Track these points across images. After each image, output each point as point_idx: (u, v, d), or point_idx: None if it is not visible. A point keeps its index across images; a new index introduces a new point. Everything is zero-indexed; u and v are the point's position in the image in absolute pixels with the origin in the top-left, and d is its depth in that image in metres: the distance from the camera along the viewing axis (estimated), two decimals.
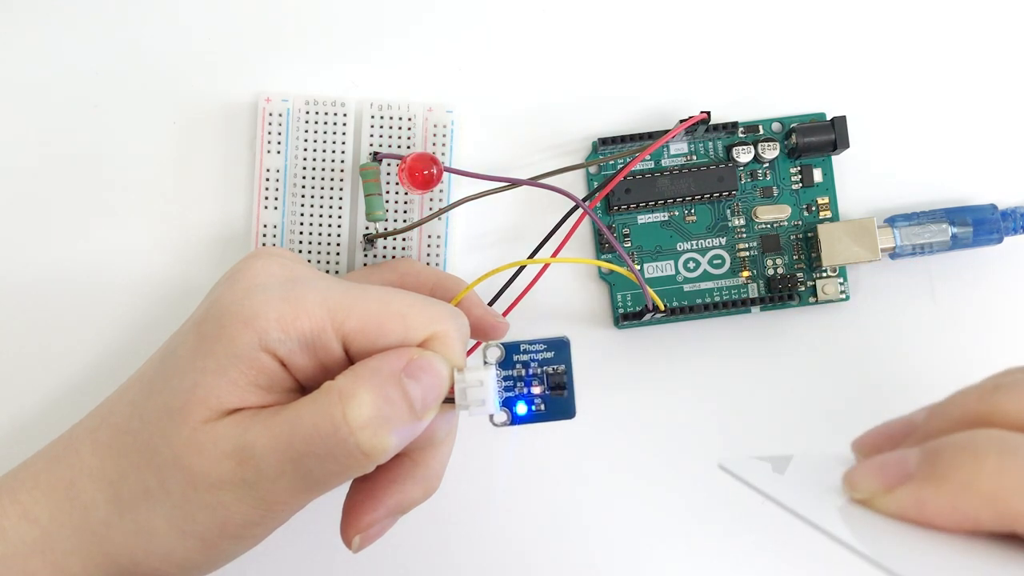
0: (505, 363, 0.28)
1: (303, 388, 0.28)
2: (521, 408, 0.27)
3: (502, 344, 0.28)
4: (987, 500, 0.17)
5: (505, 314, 0.36)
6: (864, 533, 0.18)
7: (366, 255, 0.37)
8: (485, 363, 0.27)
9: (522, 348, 0.28)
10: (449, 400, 0.27)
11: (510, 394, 0.28)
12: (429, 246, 0.37)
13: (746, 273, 0.38)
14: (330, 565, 0.37)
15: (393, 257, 0.37)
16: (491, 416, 0.27)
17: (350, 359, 0.27)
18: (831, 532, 0.17)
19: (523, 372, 0.28)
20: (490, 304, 0.36)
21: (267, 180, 0.37)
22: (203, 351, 0.27)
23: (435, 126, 0.37)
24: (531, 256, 0.36)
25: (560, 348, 0.28)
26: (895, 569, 0.16)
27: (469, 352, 0.34)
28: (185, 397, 0.26)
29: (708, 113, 0.36)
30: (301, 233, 0.37)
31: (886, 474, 0.19)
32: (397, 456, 0.30)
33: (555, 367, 0.28)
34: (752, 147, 0.38)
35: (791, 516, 0.18)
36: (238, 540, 0.27)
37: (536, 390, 0.28)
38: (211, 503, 0.26)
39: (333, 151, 0.37)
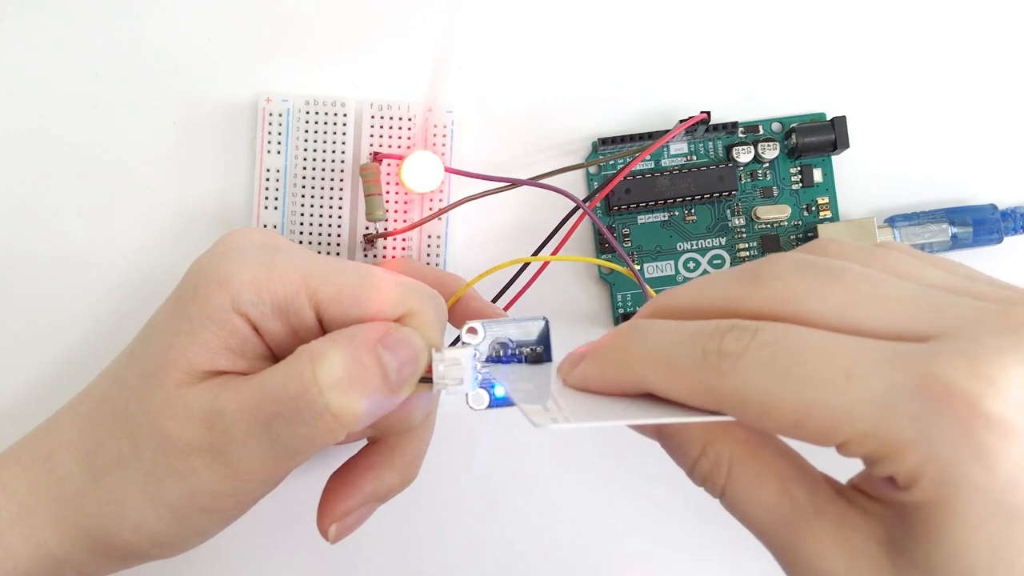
0: (483, 344, 0.27)
1: (276, 358, 0.27)
2: (499, 390, 0.27)
3: (480, 324, 0.27)
4: (619, 367, 0.22)
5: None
6: (545, 401, 0.23)
7: (366, 255, 0.37)
8: (462, 343, 0.27)
9: (501, 329, 0.27)
10: (426, 380, 0.27)
11: (488, 375, 0.27)
12: (429, 246, 0.37)
13: None
14: (306, 556, 0.37)
15: (393, 257, 0.37)
16: (468, 397, 0.27)
17: (324, 330, 0.27)
18: (518, 405, 0.23)
19: (501, 353, 0.27)
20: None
21: (267, 180, 0.37)
22: (179, 314, 0.27)
23: (435, 126, 0.37)
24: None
25: (539, 329, 0.27)
26: (528, 417, 0.21)
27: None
28: (161, 361, 0.26)
29: (708, 113, 0.36)
30: (301, 233, 0.37)
31: (572, 359, 0.24)
32: (373, 442, 0.30)
33: (534, 348, 0.27)
34: (752, 147, 0.38)
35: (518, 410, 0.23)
36: (209, 513, 0.27)
37: None
38: (181, 469, 0.26)
39: (333, 151, 0.37)
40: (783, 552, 0.22)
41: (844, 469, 0.22)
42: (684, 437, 0.23)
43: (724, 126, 0.38)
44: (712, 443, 0.22)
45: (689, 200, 0.38)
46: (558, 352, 0.27)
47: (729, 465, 0.22)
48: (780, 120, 0.39)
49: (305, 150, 0.37)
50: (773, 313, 0.21)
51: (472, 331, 0.27)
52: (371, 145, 0.37)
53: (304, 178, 0.37)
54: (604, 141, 0.37)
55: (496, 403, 0.27)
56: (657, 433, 0.24)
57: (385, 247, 0.37)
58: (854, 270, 0.21)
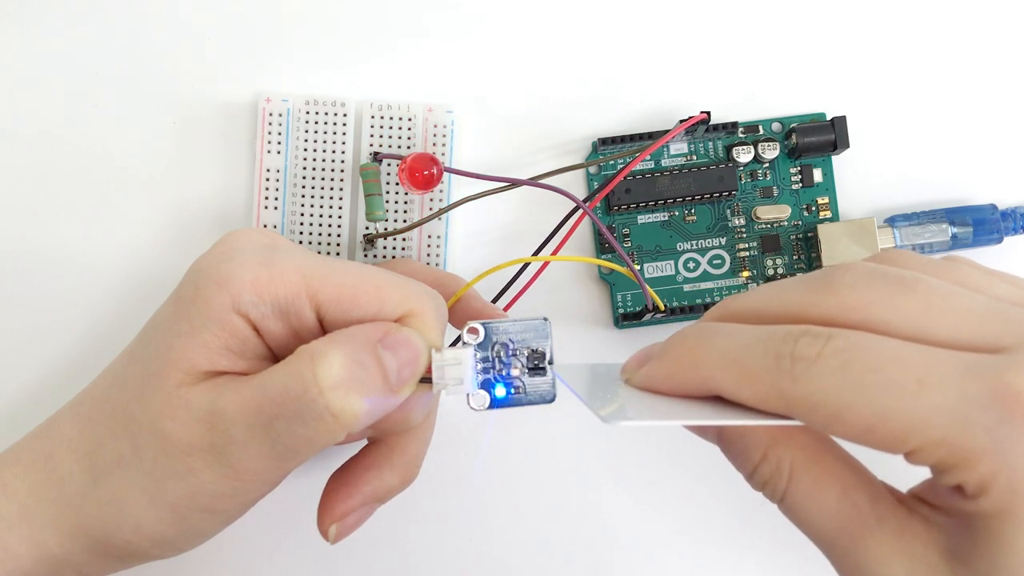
0: (483, 344, 0.27)
1: (277, 358, 0.27)
2: (500, 391, 0.27)
3: (481, 324, 0.27)
4: (688, 369, 0.23)
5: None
6: (610, 400, 0.23)
7: (366, 255, 0.37)
8: (463, 343, 0.27)
9: (501, 329, 0.27)
10: (426, 380, 0.27)
11: (488, 376, 0.27)
12: (429, 246, 0.37)
13: (746, 273, 0.38)
14: (306, 556, 0.37)
15: (393, 257, 0.37)
16: (469, 398, 0.27)
17: (324, 330, 0.27)
18: (584, 401, 0.23)
19: (502, 353, 0.27)
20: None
21: (267, 180, 0.37)
22: (179, 314, 0.27)
23: (435, 126, 0.37)
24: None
25: (540, 329, 0.27)
26: (597, 411, 0.22)
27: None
28: (161, 362, 0.26)
29: (708, 113, 0.36)
30: (301, 233, 0.37)
31: (638, 357, 0.24)
32: (374, 442, 0.30)
33: (535, 348, 0.27)
34: (752, 147, 0.38)
35: (578, 400, 0.24)
36: (209, 513, 0.27)
37: (515, 372, 0.27)
38: (181, 470, 0.26)
39: (333, 151, 0.37)
40: (843, 560, 0.22)
41: (901, 480, 0.23)
42: (746, 441, 0.23)
43: (724, 126, 0.38)
44: (774, 448, 0.23)
45: (689, 200, 0.38)
46: (559, 354, 0.27)
47: (791, 470, 0.22)
48: (780, 120, 0.39)
49: (305, 150, 0.37)
50: (844, 320, 0.21)
51: (473, 331, 0.27)
52: (371, 145, 0.37)
53: (304, 178, 0.37)
54: (604, 141, 0.37)
55: (497, 403, 0.27)
56: (718, 436, 0.24)
57: (385, 247, 0.37)
58: (926, 281, 0.21)
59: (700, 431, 0.25)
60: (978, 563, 0.20)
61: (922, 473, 0.21)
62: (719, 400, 0.22)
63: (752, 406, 0.21)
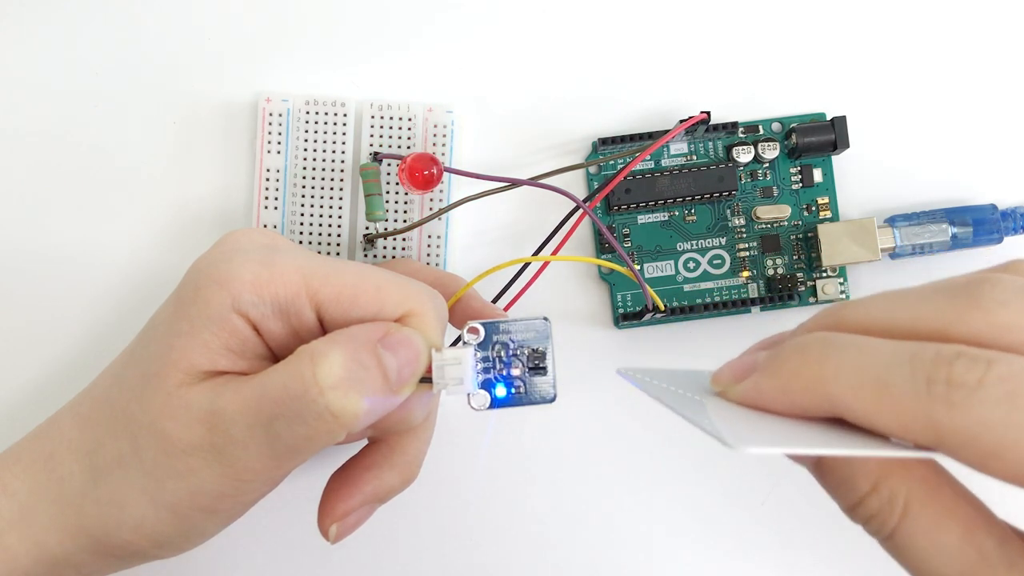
0: (484, 344, 0.27)
1: (277, 358, 0.27)
2: (500, 390, 0.27)
3: (481, 324, 0.27)
4: (809, 385, 0.20)
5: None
6: (711, 416, 0.21)
7: (366, 255, 0.37)
8: (463, 343, 0.27)
9: (502, 328, 0.27)
10: (426, 380, 0.27)
11: (489, 376, 0.27)
12: (429, 246, 0.37)
13: (746, 273, 0.38)
14: (306, 556, 0.37)
15: (393, 257, 0.37)
16: (469, 398, 0.27)
17: (324, 330, 0.27)
18: (683, 414, 0.21)
19: (502, 353, 0.27)
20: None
21: (267, 180, 0.37)
22: (179, 314, 0.27)
23: (435, 126, 0.37)
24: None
25: (540, 329, 0.27)
26: (720, 433, 0.19)
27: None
28: (161, 362, 0.26)
29: (708, 113, 0.36)
30: (301, 233, 0.37)
31: (737, 368, 0.22)
32: (374, 442, 0.30)
33: (535, 348, 0.27)
34: (752, 147, 0.38)
35: (666, 409, 0.22)
36: (209, 513, 0.27)
37: (515, 372, 0.27)
38: (181, 470, 0.26)
39: (333, 151, 0.37)
40: None
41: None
42: (853, 469, 0.21)
43: (724, 126, 0.38)
44: (887, 478, 0.20)
45: (689, 200, 0.38)
46: (560, 354, 0.27)
47: (905, 505, 0.20)
48: (780, 120, 0.39)
49: (305, 150, 0.37)
50: (997, 342, 0.19)
51: (473, 331, 0.27)
52: (371, 145, 0.37)
53: (304, 178, 0.37)
54: (604, 141, 0.37)
55: (497, 403, 0.27)
56: (814, 462, 0.22)
57: (385, 247, 0.37)
58: None
59: (798, 457, 0.22)
60: None
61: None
62: (834, 422, 0.20)
63: (887, 433, 0.19)
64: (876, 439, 0.19)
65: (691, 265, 0.38)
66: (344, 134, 0.37)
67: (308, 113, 0.37)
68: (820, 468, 0.22)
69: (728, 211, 0.38)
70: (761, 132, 0.39)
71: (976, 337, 0.19)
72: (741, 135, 0.39)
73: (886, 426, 0.19)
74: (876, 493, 0.20)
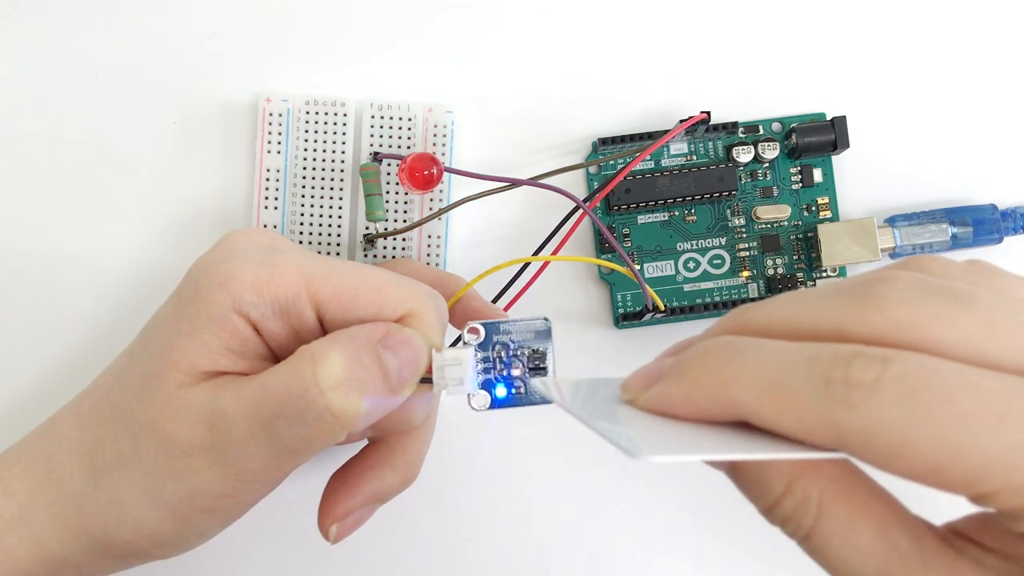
0: (484, 344, 0.27)
1: (277, 358, 0.27)
2: (500, 391, 0.27)
3: (482, 324, 0.27)
4: (713, 391, 0.20)
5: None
6: (619, 425, 0.21)
7: (366, 255, 0.37)
8: (464, 343, 0.27)
9: (502, 329, 0.27)
10: (426, 381, 0.27)
11: (489, 376, 0.27)
12: (429, 246, 0.37)
13: (746, 273, 0.38)
14: (306, 556, 0.37)
15: (393, 257, 0.37)
16: (470, 398, 0.27)
17: (324, 330, 0.27)
18: (593, 426, 0.20)
19: (503, 354, 0.27)
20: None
21: (267, 180, 0.37)
22: (179, 314, 0.27)
23: (435, 126, 0.37)
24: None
25: (540, 329, 0.27)
26: (620, 443, 0.19)
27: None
28: (162, 362, 0.26)
29: (708, 113, 0.36)
30: (301, 233, 0.37)
31: (645, 376, 0.22)
32: (374, 442, 0.30)
33: (535, 348, 0.27)
34: (752, 147, 0.38)
35: (573, 418, 0.22)
36: (209, 513, 0.27)
37: (516, 372, 0.27)
38: (182, 470, 0.26)
39: (333, 151, 0.37)
40: None
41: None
42: (766, 472, 0.21)
43: (724, 126, 0.38)
44: (799, 480, 0.20)
45: (689, 200, 0.38)
46: (560, 354, 0.27)
47: (819, 505, 0.20)
48: (780, 120, 0.39)
49: (305, 150, 0.37)
50: (895, 340, 0.19)
51: (474, 331, 0.27)
52: (371, 145, 0.37)
53: (304, 178, 0.37)
54: (604, 141, 0.37)
55: (497, 404, 0.27)
56: (731, 466, 0.22)
57: (385, 247, 0.37)
58: (983, 296, 0.19)
59: (714, 461, 0.22)
60: None
61: (952, 503, 0.19)
62: (742, 426, 0.20)
63: (791, 436, 0.19)
64: (784, 441, 0.19)
65: (691, 265, 0.38)
66: (344, 134, 0.37)
67: (308, 113, 0.37)
68: (735, 472, 0.22)
69: (728, 211, 0.38)
70: (761, 132, 0.39)
71: (874, 336, 0.19)
72: (741, 135, 0.39)
73: (788, 429, 0.19)
74: (790, 495, 0.20)
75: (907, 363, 0.18)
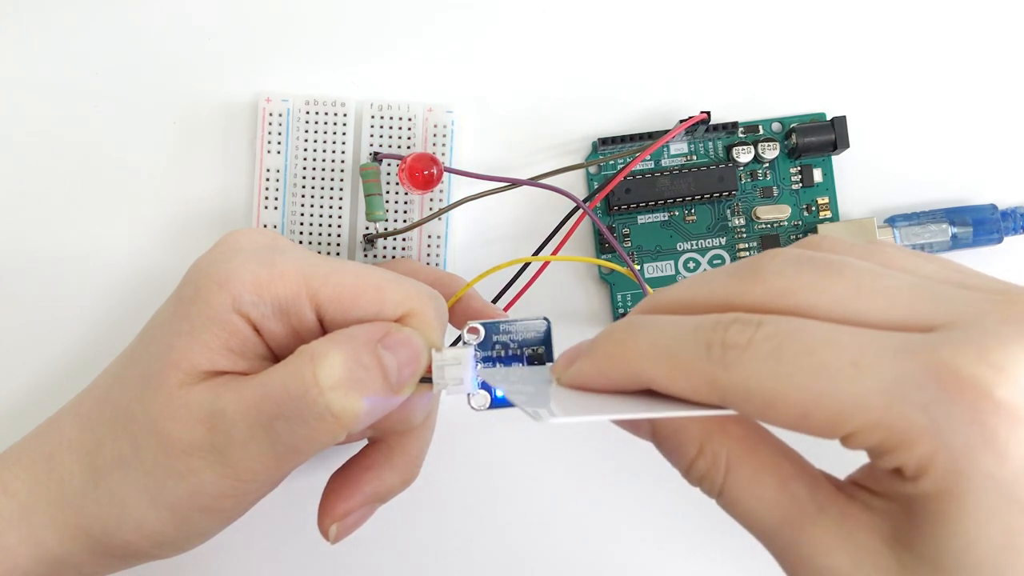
0: (484, 344, 0.27)
1: (277, 358, 0.27)
2: (500, 390, 0.27)
3: (482, 324, 0.27)
4: (618, 363, 0.22)
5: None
6: (543, 400, 0.23)
7: (366, 255, 0.37)
8: (464, 343, 0.27)
9: (502, 329, 0.27)
10: (426, 380, 0.27)
11: (485, 377, 0.27)
12: (429, 246, 0.37)
13: None
14: (306, 556, 0.37)
15: (393, 257, 0.37)
16: (469, 397, 0.27)
17: (324, 330, 0.27)
18: (522, 407, 0.23)
19: (503, 353, 0.27)
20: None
21: (267, 180, 0.37)
22: (179, 314, 0.27)
23: (435, 126, 0.37)
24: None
25: (540, 329, 0.27)
26: (528, 410, 0.21)
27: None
28: (162, 362, 0.26)
29: (708, 113, 0.36)
30: (301, 233, 0.37)
31: (567, 356, 0.24)
32: (374, 442, 0.30)
33: (535, 348, 0.27)
34: (752, 147, 0.38)
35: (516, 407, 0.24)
36: (209, 513, 0.27)
37: None
38: (182, 470, 0.26)
39: (333, 151, 0.37)
40: (785, 551, 0.21)
41: (839, 470, 0.22)
42: (680, 437, 0.23)
43: (724, 126, 0.38)
44: (709, 442, 0.22)
45: (689, 200, 0.38)
46: (558, 353, 0.27)
47: (727, 463, 0.22)
48: (780, 120, 0.39)
49: (305, 150, 0.37)
50: (772, 307, 0.21)
51: (473, 331, 0.27)
52: (371, 145, 0.37)
53: (304, 178, 0.37)
54: (604, 141, 0.37)
55: (497, 403, 0.27)
56: (652, 434, 0.24)
57: (385, 247, 0.37)
58: (853, 263, 0.21)
59: (635, 428, 0.24)
60: (921, 547, 0.19)
61: (860, 460, 0.21)
62: (651, 394, 0.22)
63: (685, 398, 0.21)
64: (685, 404, 0.21)
65: (691, 265, 0.38)
66: (344, 134, 0.37)
67: (308, 113, 0.37)
68: (657, 439, 0.24)
69: (728, 211, 0.39)
70: (761, 132, 0.39)
71: (756, 305, 0.21)
72: (741, 135, 0.39)
73: (682, 391, 0.21)
74: (702, 456, 0.22)
75: (777, 324, 0.20)
